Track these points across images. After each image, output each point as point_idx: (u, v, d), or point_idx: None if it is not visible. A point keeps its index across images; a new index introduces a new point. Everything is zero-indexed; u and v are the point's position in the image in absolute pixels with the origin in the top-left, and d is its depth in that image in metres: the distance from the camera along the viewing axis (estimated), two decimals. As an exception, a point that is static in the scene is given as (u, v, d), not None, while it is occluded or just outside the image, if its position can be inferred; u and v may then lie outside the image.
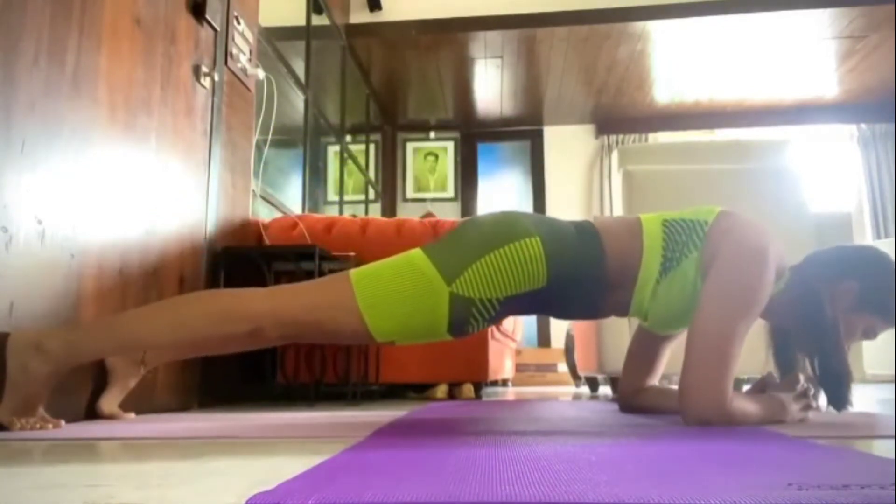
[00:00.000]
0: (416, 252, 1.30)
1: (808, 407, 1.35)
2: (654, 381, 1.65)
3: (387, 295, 1.25)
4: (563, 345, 5.26)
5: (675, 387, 1.61)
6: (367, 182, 5.30)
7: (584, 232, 1.35)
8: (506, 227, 1.30)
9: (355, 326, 1.26)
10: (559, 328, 5.89)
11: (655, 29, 4.63)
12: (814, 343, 1.35)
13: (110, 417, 1.57)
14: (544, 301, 1.34)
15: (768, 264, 1.29)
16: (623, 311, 1.42)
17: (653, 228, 1.36)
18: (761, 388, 1.41)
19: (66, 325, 1.33)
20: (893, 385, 4.13)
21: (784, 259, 1.39)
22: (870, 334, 1.42)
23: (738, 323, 1.24)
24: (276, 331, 1.27)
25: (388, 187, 6.08)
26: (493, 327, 2.98)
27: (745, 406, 1.25)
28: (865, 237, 5.79)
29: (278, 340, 1.31)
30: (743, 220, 1.35)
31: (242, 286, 1.98)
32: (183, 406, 2.02)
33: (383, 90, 5.54)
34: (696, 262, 1.33)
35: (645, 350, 1.62)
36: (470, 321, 1.29)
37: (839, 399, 1.31)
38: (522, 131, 6.32)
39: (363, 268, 1.30)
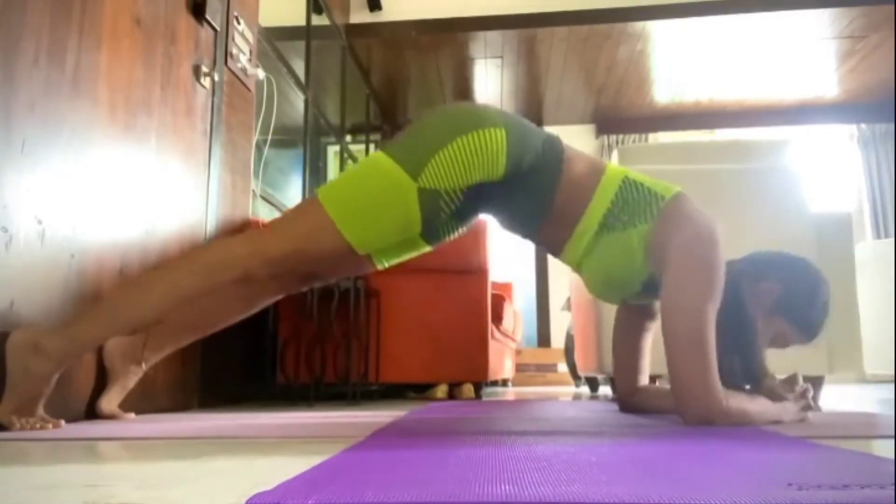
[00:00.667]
0: (378, 154, 1.30)
1: (807, 407, 1.35)
2: (645, 377, 1.65)
3: (358, 203, 1.27)
4: (563, 345, 5.26)
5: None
6: (367, 182, 5.29)
7: (551, 146, 1.36)
8: (470, 116, 1.31)
9: (335, 243, 1.27)
10: (559, 328, 5.89)
11: (655, 29, 4.63)
12: (731, 338, 1.36)
13: (110, 417, 1.57)
14: (496, 198, 1.36)
15: (720, 247, 1.29)
16: (557, 249, 1.42)
17: (611, 180, 1.36)
18: (762, 388, 1.40)
19: (62, 321, 1.33)
20: (893, 385, 4.13)
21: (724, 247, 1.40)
22: (780, 341, 1.43)
23: (706, 313, 1.24)
24: (264, 270, 1.28)
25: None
26: (494, 327, 2.98)
27: (746, 405, 1.25)
28: (865, 237, 5.80)
29: (269, 283, 1.32)
30: (694, 207, 1.35)
31: (242, 286, 1.97)
32: (183, 406, 2.02)
33: (383, 90, 5.54)
34: (643, 237, 1.33)
35: (626, 349, 1.62)
36: (440, 216, 1.30)
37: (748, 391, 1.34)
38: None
39: (329, 184, 1.31)
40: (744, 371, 1.35)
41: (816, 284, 1.39)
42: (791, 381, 1.38)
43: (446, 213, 1.31)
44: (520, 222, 1.41)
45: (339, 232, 1.27)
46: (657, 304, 1.60)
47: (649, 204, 1.34)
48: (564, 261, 1.44)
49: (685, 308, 1.25)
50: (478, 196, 1.34)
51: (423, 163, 1.27)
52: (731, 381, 1.35)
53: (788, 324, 1.39)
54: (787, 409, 1.32)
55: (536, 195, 1.35)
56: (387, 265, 1.49)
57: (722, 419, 1.21)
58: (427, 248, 1.45)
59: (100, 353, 1.61)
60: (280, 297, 1.57)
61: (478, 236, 2.71)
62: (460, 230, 1.45)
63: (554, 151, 1.36)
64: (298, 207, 1.32)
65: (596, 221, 1.34)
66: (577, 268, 1.44)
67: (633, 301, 1.51)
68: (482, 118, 1.31)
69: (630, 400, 1.65)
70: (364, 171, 1.29)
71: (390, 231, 1.29)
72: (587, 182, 1.35)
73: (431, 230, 1.33)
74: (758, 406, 1.27)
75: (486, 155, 1.28)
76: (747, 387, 1.38)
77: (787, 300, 1.38)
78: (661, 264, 1.32)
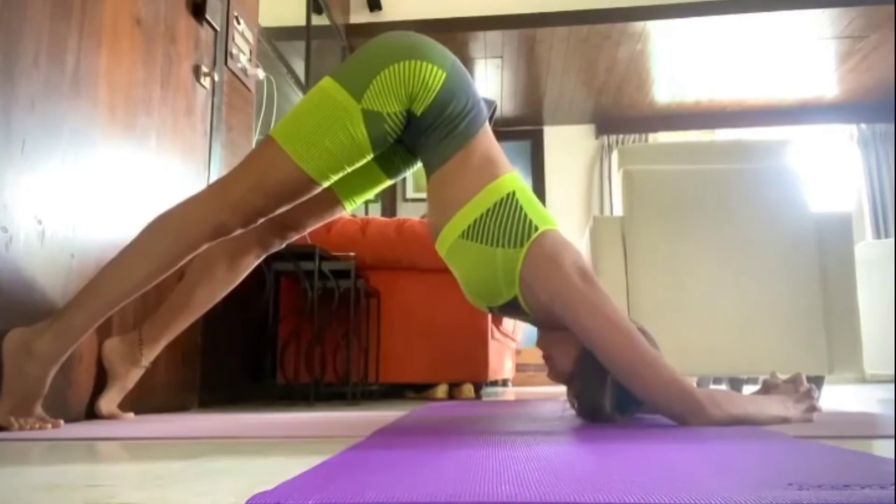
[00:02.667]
0: (325, 80, 1.32)
1: (812, 408, 1.35)
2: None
3: (309, 133, 1.28)
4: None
5: None
6: (367, 182, 5.29)
7: (473, 117, 1.34)
8: (417, 46, 1.31)
9: (295, 175, 1.29)
10: (559, 328, 5.88)
11: (655, 29, 4.63)
12: (597, 378, 1.31)
13: (109, 417, 1.57)
14: (410, 134, 1.35)
15: (594, 278, 1.27)
16: (434, 232, 1.38)
17: (497, 189, 1.31)
18: (766, 389, 1.40)
19: (51, 317, 1.33)
20: (893, 385, 4.13)
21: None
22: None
23: (630, 334, 1.21)
24: (234, 217, 1.31)
25: (388, 187, 6.08)
26: (494, 327, 2.98)
27: (748, 407, 1.24)
28: (865, 237, 5.80)
29: (241, 225, 1.34)
30: (564, 244, 1.30)
31: (242, 286, 1.97)
32: (183, 406, 2.02)
33: (383, 90, 5.54)
34: (509, 262, 1.28)
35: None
36: (387, 139, 1.32)
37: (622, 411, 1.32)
38: (522, 131, 6.32)
39: (281, 120, 1.33)
40: (580, 404, 1.33)
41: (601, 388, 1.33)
42: (795, 381, 1.38)
43: (392, 136, 1.32)
44: (424, 166, 1.40)
45: (293, 161, 1.28)
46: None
47: (520, 230, 1.29)
48: (436, 247, 1.41)
49: (611, 341, 1.21)
50: (408, 125, 1.34)
51: (366, 84, 1.28)
52: (602, 415, 1.32)
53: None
54: (792, 409, 1.31)
55: (432, 151, 1.34)
56: (355, 204, 1.51)
57: (716, 412, 1.19)
58: (387, 181, 1.47)
59: (99, 353, 1.61)
60: (261, 257, 1.58)
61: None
62: (415, 162, 1.47)
63: (473, 121, 1.34)
64: (255, 150, 1.34)
65: (465, 224, 1.30)
66: (446, 259, 1.40)
67: (498, 312, 1.45)
68: (429, 52, 1.32)
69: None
70: (311, 98, 1.31)
71: (342, 155, 1.29)
72: (475, 177, 1.31)
73: (386, 157, 1.35)
74: (761, 406, 1.27)
75: (419, 85, 1.29)
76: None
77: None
78: (544, 308, 1.28)
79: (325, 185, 1.34)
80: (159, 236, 1.32)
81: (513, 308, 1.35)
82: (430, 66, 1.30)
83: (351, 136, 1.28)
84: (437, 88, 1.30)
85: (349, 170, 1.34)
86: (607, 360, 1.23)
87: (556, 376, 1.39)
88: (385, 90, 1.28)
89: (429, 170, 1.37)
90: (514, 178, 1.35)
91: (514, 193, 1.31)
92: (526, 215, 1.30)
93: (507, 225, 1.29)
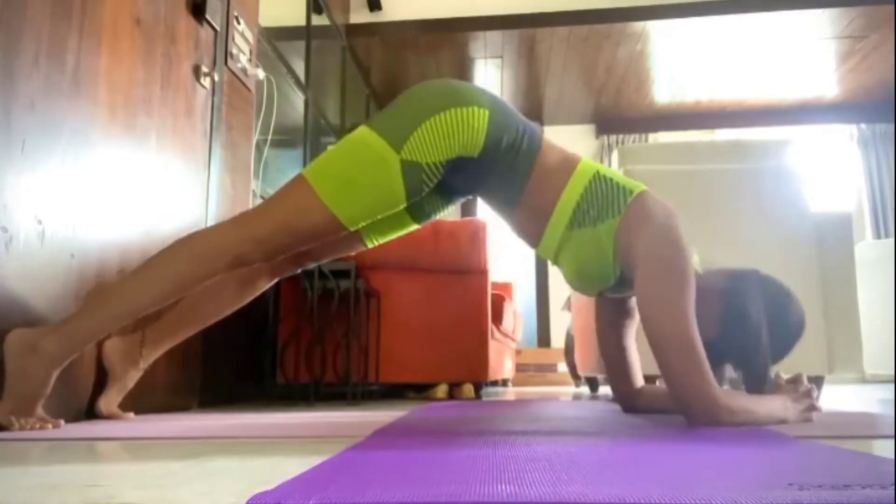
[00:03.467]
0: (362, 129, 1.32)
1: (811, 408, 1.35)
2: (638, 377, 1.64)
3: (342, 177, 1.28)
4: (563, 345, 5.26)
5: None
6: (367, 182, 5.29)
7: (530, 134, 1.37)
8: (455, 92, 1.32)
9: (326, 220, 1.29)
10: (559, 328, 5.89)
11: (655, 29, 4.63)
12: (737, 342, 1.38)
13: (109, 417, 1.57)
14: (474, 175, 1.37)
15: (684, 243, 1.29)
16: (534, 242, 1.43)
17: (582, 174, 1.36)
18: (766, 389, 1.40)
19: (58, 321, 1.33)
20: (893, 385, 4.13)
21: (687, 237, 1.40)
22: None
23: (686, 309, 1.24)
24: (257, 251, 1.31)
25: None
26: (494, 327, 2.98)
27: (750, 406, 1.25)
28: (865, 237, 5.80)
29: (265, 269, 1.33)
30: (658, 205, 1.35)
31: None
32: (183, 406, 2.01)
33: (383, 90, 5.54)
34: (612, 232, 1.33)
35: (614, 353, 1.61)
36: (423, 189, 1.32)
37: (749, 388, 1.36)
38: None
39: (313, 163, 1.32)
40: (747, 373, 1.36)
41: (794, 315, 1.41)
42: (795, 381, 1.38)
43: (428, 186, 1.33)
44: (497, 203, 1.43)
45: (326, 207, 1.28)
46: (633, 302, 1.60)
47: (616, 198, 1.35)
48: (541, 254, 1.45)
49: (665, 309, 1.24)
50: (457, 171, 1.36)
51: (406, 135, 1.28)
52: (723, 381, 1.36)
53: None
54: (792, 409, 1.32)
55: (508, 179, 1.36)
56: (376, 243, 1.51)
57: (727, 417, 1.21)
58: (414, 226, 1.47)
59: (99, 353, 1.61)
60: (273, 282, 1.58)
61: (478, 236, 2.71)
62: (445, 208, 1.47)
63: (531, 140, 1.37)
64: (285, 187, 1.33)
65: (566, 216, 1.35)
66: (554, 261, 1.45)
67: (610, 294, 1.50)
68: (467, 95, 1.32)
69: (631, 401, 1.65)
70: (348, 145, 1.31)
71: (376, 204, 1.30)
72: (559, 174, 1.37)
73: (416, 205, 1.35)
74: (762, 406, 1.27)
75: (466, 131, 1.30)
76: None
77: (769, 320, 1.39)
78: (629, 265, 1.33)
79: (353, 229, 1.34)
80: (178, 259, 1.31)
81: (622, 285, 1.40)
82: (471, 109, 1.31)
83: (387, 186, 1.29)
84: (485, 127, 1.32)
85: (379, 217, 1.35)
86: (650, 329, 1.25)
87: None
88: (427, 141, 1.29)
89: (509, 198, 1.39)
90: (589, 161, 1.40)
91: (598, 171, 1.37)
92: (617, 184, 1.36)
93: (603, 201, 1.34)
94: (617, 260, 1.35)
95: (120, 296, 1.31)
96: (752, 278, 1.43)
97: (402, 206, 1.34)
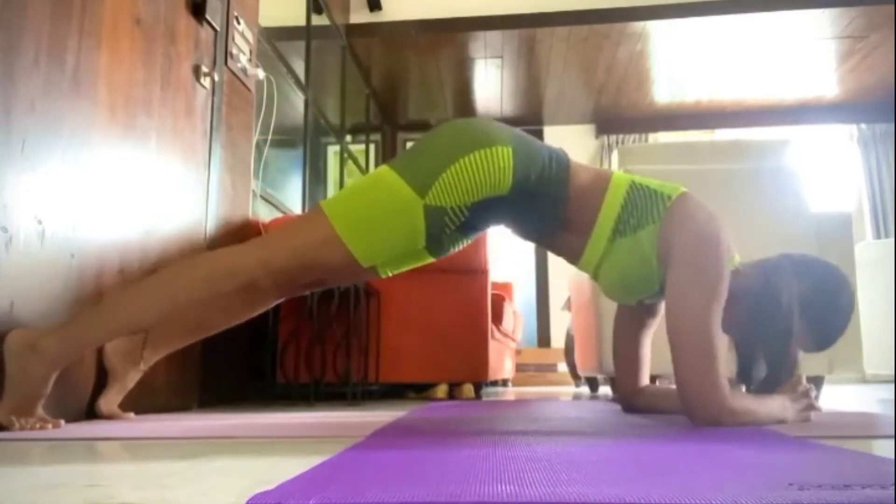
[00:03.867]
0: (384, 170, 1.30)
1: (810, 407, 1.35)
2: (646, 376, 1.65)
3: (364, 219, 1.27)
4: (563, 345, 5.26)
5: (673, 387, 1.61)
6: (367, 182, 5.28)
7: (557, 159, 1.37)
8: (478, 134, 1.31)
9: (341, 257, 1.28)
10: (559, 328, 5.89)
11: (655, 29, 4.63)
12: (767, 333, 1.36)
13: (109, 417, 1.57)
14: (506, 211, 1.36)
15: (723, 246, 1.29)
16: (575, 257, 1.43)
17: (618, 188, 1.37)
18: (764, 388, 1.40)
19: (61, 322, 1.33)
20: (893, 385, 4.13)
21: (731, 244, 1.39)
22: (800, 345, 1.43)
23: (710, 311, 1.25)
24: (267, 280, 1.29)
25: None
26: (494, 327, 2.98)
27: (751, 406, 1.25)
28: (865, 237, 5.79)
29: (273, 291, 1.33)
30: (700, 206, 1.35)
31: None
32: (183, 406, 2.01)
33: (383, 90, 5.54)
34: (653, 236, 1.34)
35: (628, 348, 1.62)
36: (445, 231, 1.31)
37: (768, 389, 1.35)
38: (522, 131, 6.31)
39: (335, 197, 1.31)
40: (773, 370, 1.34)
41: (844, 297, 1.39)
42: (794, 381, 1.38)
43: (451, 228, 1.31)
44: (532, 233, 1.43)
45: (344, 245, 1.27)
46: (661, 303, 1.60)
47: (655, 204, 1.35)
48: (581, 269, 1.46)
49: (690, 309, 1.25)
50: (485, 209, 1.34)
51: (431, 181, 1.27)
52: (753, 381, 1.35)
53: (807, 328, 1.39)
54: (790, 409, 1.32)
55: (545, 208, 1.35)
56: (390, 274, 1.49)
57: (729, 419, 1.21)
58: (431, 259, 1.44)
59: (100, 353, 1.61)
60: (281, 300, 1.57)
61: (477, 236, 2.71)
62: (464, 243, 1.44)
63: (560, 165, 1.36)
64: (304, 219, 1.31)
65: (608, 229, 1.35)
66: (595, 275, 1.45)
67: (649, 301, 1.51)
68: (489, 136, 1.30)
69: (632, 400, 1.65)
70: (370, 186, 1.29)
71: (395, 246, 1.29)
72: (595, 191, 1.36)
73: (436, 243, 1.33)
74: (762, 406, 1.27)
75: (493, 172, 1.29)
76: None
77: (814, 305, 1.37)
78: (667, 264, 1.33)
79: (368, 266, 1.33)
80: (188, 276, 1.29)
81: (664, 289, 1.40)
82: (494, 149, 1.29)
83: (408, 229, 1.28)
84: (511, 165, 1.30)
85: (397, 255, 1.33)
86: (676, 325, 1.26)
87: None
88: (452, 186, 1.27)
89: (547, 227, 1.39)
90: (621, 173, 1.40)
91: (633, 181, 1.38)
92: (655, 191, 1.37)
93: (643, 208, 1.35)
94: (660, 263, 1.35)
95: (127, 307, 1.29)
96: (778, 267, 1.41)
97: (420, 247, 1.32)
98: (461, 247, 1.46)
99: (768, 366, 1.37)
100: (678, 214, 1.33)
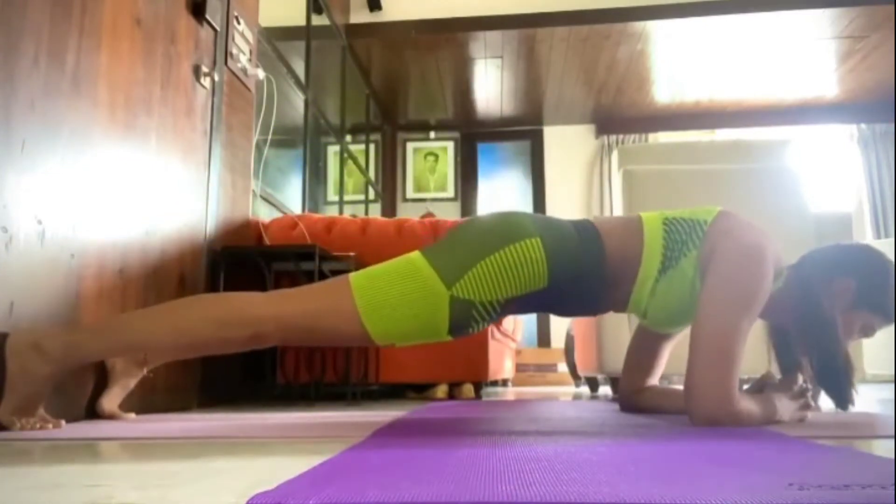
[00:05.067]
0: (416, 255, 1.29)
1: (806, 406, 1.35)
2: (655, 380, 1.65)
3: (387, 300, 1.25)
4: (563, 345, 5.26)
5: (676, 387, 1.61)
6: (367, 182, 5.30)
7: (585, 230, 1.36)
8: (506, 228, 1.30)
9: (356, 331, 1.27)
10: (559, 328, 5.89)
11: (655, 29, 4.63)
12: (813, 342, 1.34)
13: (110, 417, 1.57)
14: (545, 301, 1.34)
15: (766, 262, 1.28)
16: (622, 308, 1.43)
17: (654, 227, 1.37)
18: (759, 387, 1.41)
19: (66, 326, 1.33)
20: (893, 385, 4.13)
21: (782, 259, 1.39)
22: (868, 332, 1.41)
23: (740, 321, 1.24)
24: (277, 335, 1.28)
25: (388, 187, 6.08)
26: (494, 327, 2.98)
27: (750, 406, 1.25)
28: (865, 237, 5.79)
29: (278, 343, 1.32)
30: (741, 220, 1.36)
31: (242, 286, 1.98)
32: (183, 406, 2.01)
33: (383, 90, 5.54)
34: (694, 262, 1.34)
35: (645, 349, 1.62)
36: (471, 323, 1.29)
37: (841, 397, 1.31)
38: (522, 131, 6.32)
39: (363, 272, 1.30)
40: (823, 369, 1.32)
41: (886, 268, 1.38)
42: (789, 380, 1.38)
43: (478, 320, 1.29)
44: (578, 309, 1.41)
45: (362, 323, 1.25)
46: None
47: (694, 230, 1.35)
48: (630, 312, 1.45)
49: (718, 318, 1.25)
50: (521, 303, 1.33)
51: (461, 273, 1.26)
52: (812, 381, 1.36)
53: (871, 314, 1.37)
54: (787, 409, 1.32)
55: (588, 282, 1.34)
56: (401, 345, 1.46)
57: (729, 420, 1.21)
58: (448, 338, 1.38)
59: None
60: (282, 344, 1.55)
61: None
62: (482, 328, 1.39)
63: (589, 234, 1.35)
64: (328, 286, 1.30)
65: (654, 270, 1.35)
66: (644, 314, 1.44)
67: None
68: (516, 230, 1.30)
69: (632, 398, 1.65)
70: (400, 268, 1.28)
71: (413, 332, 1.28)
72: (632, 243, 1.36)
73: (457, 331, 1.30)
74: (761, 407, 1.27)
75: (526, 267, 1.28)
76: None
77: (865, 293, 1.36)
78: (706, 272, 1.32)
79: (381, 344, 1.31)
80: (200, 315, 1.28)
81: None
82: (525, 242, 1.28)
83: (431, 319, 1.26)
84: (543, 256, 1.29)
85: (413, 339, 1.31)
86: (700, 332, 1.25)
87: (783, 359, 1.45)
88: (484, 280, 1.26)
89: (593, 296, 1.37)
90: (650, 213, 1.41)
91: (665, 217, 1.38)
92: (690, 220, 1.37)
93: (683, 240, 1.35)
94: (701, 282, 1.34)
95: (132, 330, 1.29)
96: (811, 260, 1.40)
97: (442, 338, 1.30)
98: (477, 331, 1.40)
99: (821, 366, 1.33)
100: (717, 232, 1.33)
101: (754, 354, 2.22)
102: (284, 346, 2.57)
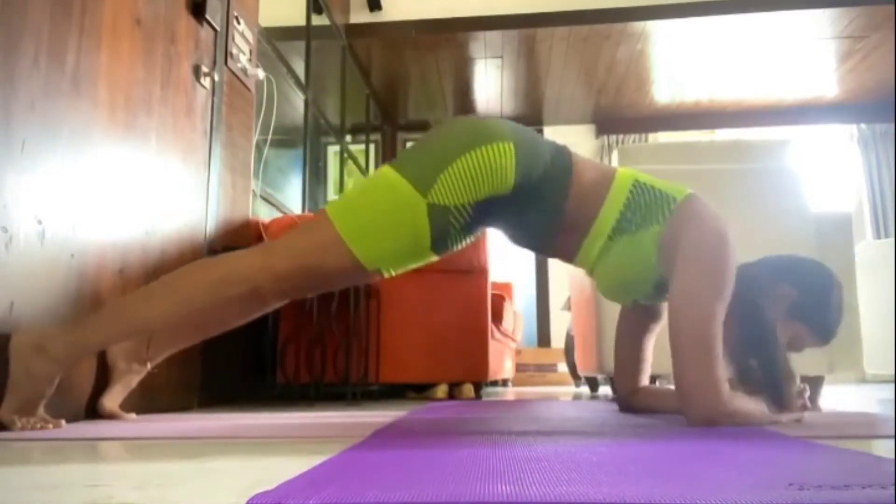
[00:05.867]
0: (387, 170, 1.29)
1: (804, 407, 1.35)
2: (645, 377, 1.65)
3: (367, 220, 1.26)
4: (563, 345, 5.26)
5: (669, 387, 1.61)
6: (367, 182, 5.29)
7: (560, 155, 1.35)
8: (477, 131, 1.30)
9: (343, 259, 1.27)
10: (559, 328, 5.89)
11: (655, 29, 4.63)
12: (752, 344, 1.35)
13: (111, 416, 1.57)
14: (508, 212, 1.35)
15: (732, 249, 1.29)
16: (570, 256, 1.42)
17: (621, 185, 1.35)
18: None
19: (66, 324, 1.33)
20: (893, 385, 4.13)
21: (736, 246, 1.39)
22: (796, 345, 1.42)
23: (713, 314, 1.24)
24: (272, 286, 1.28)
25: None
26: (494, 327, 2.98)
27: (747, 406, 1.25)
28: (865, 237, 5.79)
29: (276, 297, 1.32)
30: (709, 208, 1.34)
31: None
32: (183, 406, 2.01)
33: (383, 90, 5.54)
34: (655, 238, 1.33)
35: (629, 349, 1.62)
36: (450, 231, 1.29)
37: (775, 400, 1.32)
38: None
39: (338, 200, 1.30)
40: (765, 375, 1.34)
41: (830, 287, 1.39)
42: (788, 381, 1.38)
43: (455, 227, 1.30)
44: (531, 235, 1.40)
45: (348, 249, 1.26)
46: (663, 305, 1.60)
47: (661, 206, 1.34)
48: (577, 265, 1.44)
49: (693, 307, 1.24)
50: (488, 209, 1.33)
51: (433, 179, 1.26)
52: (751, 387, 1.34)
53: (805, 327, 1.39)
54: (783, 409, 1.32)
55: (547, 206, 1.34)
56: (394, 274, 1.48)
57: (726, 420, 1.21)
58: (435, 258, 1.42)
59: (103, 352, 1.61)
60: (284, 303, 1.56)
61: (477, 236, 2.71)
62: (468, 240, 1.43)
63: (562, 161, 1.35)
64: (307, 224, 1.31)
65: (608, 226, 1.34)
66: (591, 272, 1.44)
67: (644, 302, 1.50)
68: (491, 132, 1.29)
69: (630, 399, 1.65)
70: (372, 187, 1.28)
71: (399, 246, 1.28)
72: (597, 188, 1.35)
73: (441, 243, 1.32)
74: (759, 407, 1.27)
75: (496, 169, 1.27)
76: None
77: (803, 304, 1.38)
78: (671, 264, 1.32)
79: (373, 269, 1.31)
80: (193, 281, 1.28)
81: (659, 290, 1.40)
82: (495, 146, 1.28)
83: (412, 230, 1.26)
84: (513, 163, 1.29)
85: (401, 257, 1.31)
86: (677, 324, 1.25)
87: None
88: (454, 184, 1.26)
89: (548, 224, 1.36)
90: (627, 170, 1.38)
91: (637, 180, 1.36)
92: (660, 192, 1.35)
93: (646, 209, 1.33)
94: (659, 263, 1.34)
95: (132, 312, 1.29)
96: (758, 274, 1.41)
97: (426, 247, 1.30)
98: (464, 245, 1.45)
99: (763, 373, 1.35)
100: (685, 215, 1.32)
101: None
102: (284, 345, 2.57)
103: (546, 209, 1.34)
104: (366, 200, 1.27)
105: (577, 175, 1.35)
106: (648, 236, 1.33)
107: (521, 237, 1.43)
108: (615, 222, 1.34)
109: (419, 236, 1.27)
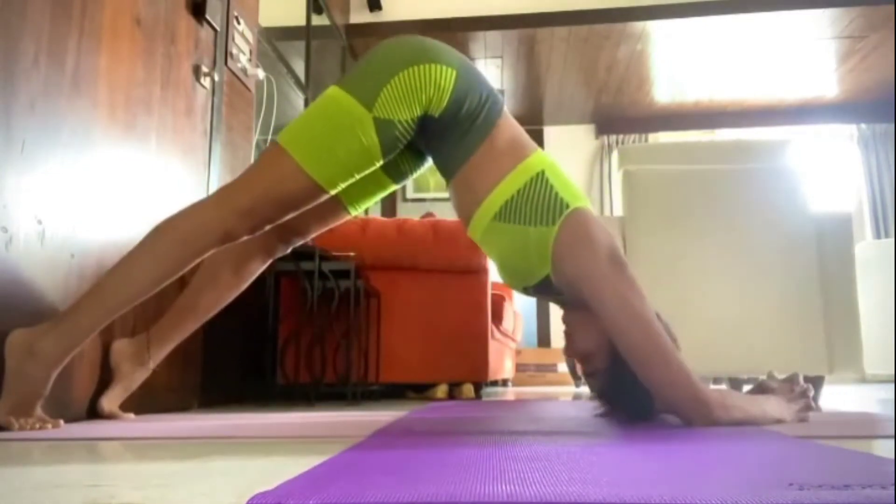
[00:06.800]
0: (332, 89, 1.32)
1: (808, 407, 1.35)
2: None
3: (317, 139, 1.29)
4: (562, 345, 5.25)
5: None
6: (367, 182, 5.29)
7: (493, 101, 1.36)
8: (425, 49, 1.32)
9: (301, 181, 1.29)
10: (559, 328, 5.89)
11: (655, 29, 4.63)
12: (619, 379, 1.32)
13: (110, 417, 1.57)
14: (430, 135, 1.36)
15: (624, 261, 1.27)
16: (465, 222, 1.40)
17: (527, 168, 1.32)
18: (762, 389, 1.40)
19: (53, 319, 1.33)
20: (893, 385, 4.13)
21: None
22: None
23: (649, 318, 1.22)
24: (242, 225, 1.32)
25: (389, 187, 6.07)
26: (494, 327, 2.98)
27: (747, 406, 1.25)
28: (865, 237, 5.80)
29: (249, 234, 1.34)
30: (596, 223, 1.30)
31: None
32: (183, 406, 2.01)
33: (383, 90, 5.54)
34: (541, 241, 1.29)
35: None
36: (397, 145, 1.32)
37: (635, 411, 1.32)
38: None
39: (287, 129, 1.33)
40: (637, 408, 1.33)
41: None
42: (791, 380, 1.38)
43: (402, 142, 1.33)
44: (442, 167, 1.41)
45: (302, 170, 1.29)
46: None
47: (551, 209, 1.30)
48: (469, 235, 1.43)
49: (632, 325, 1.22)
50: (422, 130, 1.36)
51: (376, 93, 1.28)
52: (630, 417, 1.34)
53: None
54: (788, 409, 1.32)
55: (459, 145, 1.35)
56: (359, 209, 1.51)
57: (723, 415, 1.20)
58: (392, 186, 1.47)
59: (105, 353, 1.61)
60: (267, 262, 1.59)
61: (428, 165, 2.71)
62: (421, 166, 1.47)
63: (492, 110, 1.35)
64: (262, 155, 1.33)
65: (497, 206, 1.32)
66: (480, 245, 1.44)
67: (533, 294, 1.46)
68: (437, 54, 1.32)
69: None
70: (320, 107, 1.31)
71: (353, 163, 1.30)
72: (504, 159, 1.33)
73: (392, 164, 1.35)
74: (758, 406, 1.27)
75: (433, 89, 1.30)
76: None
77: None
78: (571, 283, 1.28)
79: (333, 192, 1.34)
80: (166, 241, 1.32)
81: (546, 288, 1.37)
82: (439, 67, 1.31)
83: (362, 144, 1.29)
84: (451, 88, 1.31)
85: (358, 177, 1.35)
86: (624, 346, 1.23)
87: (571, 353, 1.40)
88: (396, 98, 1.28)
89: (453, 165, 1.37)
90: (543, 157, 1.36)
91: (543, 172, 1.33)
92: (557, 193, 1.32)
93: (538, 204, 1.30)
94: (550, 268, 1.31)
95: (113, 287, 1.31)
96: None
97: (378, 164, 1.33)
98: (418, 171, 1.48)
99: (632, 405, 1.33)
100: (576, 228, 1.28)
101: (752, 354, 2.22)
102: (284, 345, 2.57)
103: (457, 148, 1.35)
104: (315, 122, 1.30)
105: (497, 130, 1.35)
106: (534, 235, 1.29)
107: (439, 165, 1.42)
108: (504, 205, 1.31)
109: (370, 151, 1.30)
